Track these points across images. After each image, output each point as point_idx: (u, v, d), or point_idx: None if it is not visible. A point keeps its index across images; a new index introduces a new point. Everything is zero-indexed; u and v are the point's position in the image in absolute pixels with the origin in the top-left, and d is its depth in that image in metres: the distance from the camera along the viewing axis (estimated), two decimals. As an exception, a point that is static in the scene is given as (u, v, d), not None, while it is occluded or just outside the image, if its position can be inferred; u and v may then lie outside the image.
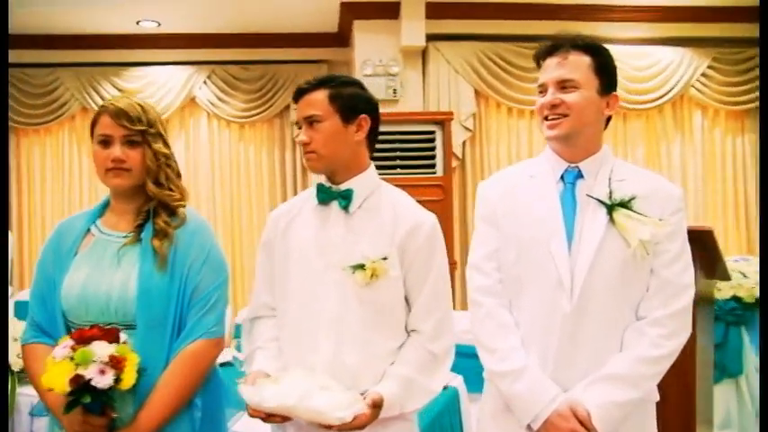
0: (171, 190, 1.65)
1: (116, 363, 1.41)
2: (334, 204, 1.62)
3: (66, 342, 1.45)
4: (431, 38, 4.53)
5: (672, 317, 1.47)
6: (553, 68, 1.53)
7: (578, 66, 1.51)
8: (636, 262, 1.47)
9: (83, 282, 1.60)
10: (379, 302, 1.56)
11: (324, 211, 1.63)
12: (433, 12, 4.38)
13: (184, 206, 1.67)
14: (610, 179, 1.53)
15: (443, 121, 4.23)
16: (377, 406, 1.45)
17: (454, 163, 4.55)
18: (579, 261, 1.48)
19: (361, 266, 1.52)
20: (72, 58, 5.07)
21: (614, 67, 1.59)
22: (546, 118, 1.54)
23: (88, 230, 1.71)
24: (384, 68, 4.46)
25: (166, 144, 1.67)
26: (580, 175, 1.56)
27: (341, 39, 4.95)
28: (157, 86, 5.09)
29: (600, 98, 1.53)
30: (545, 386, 1.46)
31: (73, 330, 1.54)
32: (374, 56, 4.47)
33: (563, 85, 1.51)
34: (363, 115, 1.60)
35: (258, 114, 5.17)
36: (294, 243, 1.65)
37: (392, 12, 4.38)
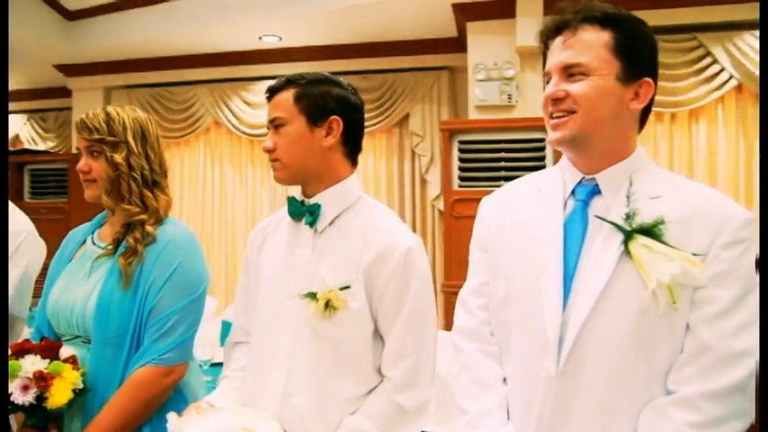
0: (132, 203, 1.57)
1: (42, 381, 1.36)
2: (304, 221, 1.42)
3: (9, 353, 1.43)
4: (550, 36, 4.13)
5: (710, 398, 1.02)
6: (558, 51, 1.16)
7: (590, 45, 1.12)
8: (660, 313, 1.05)
9: (59, 292, 1.59)
10: (336, 339, 1.33)
11: (296, 230, 1.43)
12: (551, 7, 3.97)
13: (150, 221, 1.58)
14: (628, 196, 1.12)
15: None
16: None
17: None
18: (575, 308, 1.10)
19: (314, 296, 1.31)
20: (205, 76, 5.44)
21: (647, 44, 1.16)
22: (551, 116, 1.17)
23: (86, 240, 1.70)
24: (498, 72, 4.13)
25: (138, 153, 1.59)
26: (597, 191, 1.17)
27: (460, 43, 4.71)
28: (280, 99, 5.23)
29: (622, 87, 1.12)
30: None
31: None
32: (488, 59, 4.17)
33: (570, 72, 1.13)
34: (334, 117, 1.38)
35: (377, 124, 5.09)
36: (265, 263, 1.48)
37: (507, 10, 4.05)
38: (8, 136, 1.50)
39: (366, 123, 4.89)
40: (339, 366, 1.33)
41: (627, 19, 1.15)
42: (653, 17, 3.89)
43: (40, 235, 2.01)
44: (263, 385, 1.36)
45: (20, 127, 6.88)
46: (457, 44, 4.79)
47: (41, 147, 6.67)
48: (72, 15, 5.09)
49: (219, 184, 5.47)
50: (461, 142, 3.84)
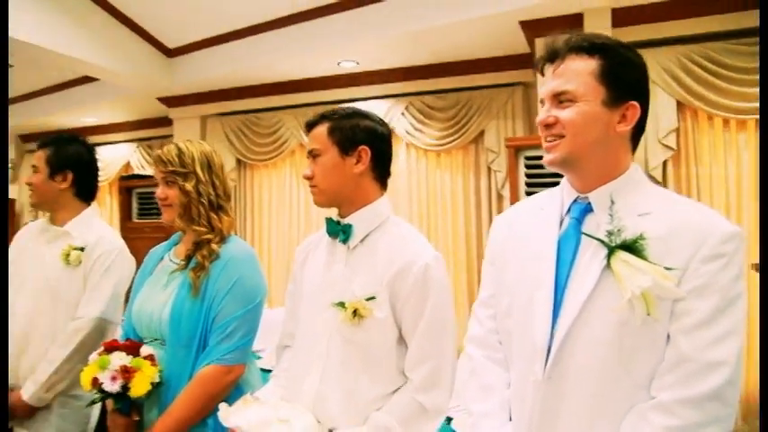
0: (201, 225, 1.79)
1: (126, 373, 1.60)
2: (339, 239, 1.59)
3: (101, 349, 1.69)
4: (622, 48, 4.10)
5: (689, 404, 1.07)
6: (549, 79, 1.26)
7: (577, 73, 1.21)
8: (639, 323, 1.10)
9: (141, 301, 1.84)
10: (365, 344, 1.48)
11: (333, 246, 1.61)
12: (621, 18, 3.95)
13: (214, 240, 1.80)
14: (611, 214, 1.19)
15: None
16: None
17: (652, 187, 4.02)
18: (562, 318, 1.18)
19: (342, 305, 1.47)
20: (289, 102, 5.76)
21: (633, 70, 1.23)
22: (545, 139, 1.27)
23: (164, 257, 1.95)
24: (567, 87, 4.16)
25: (206, 181, 1.82)
26: (590, 209, 1.24)
27: (532, 58, 4.75)
28: (361, 121, 5.46)
29: (608, 111, 1.20)
30: None
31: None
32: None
33: (559, 99, 1.22)
34: (363, 146, 1.56)
35: (453, 141, 5.18)
36: (307, 277, 1.66)
37: (575, 24, 4.05)
38: (8, 136, 1.73)
39: (442, 141, 5.00)
40: (367, 368, 1.48)
41: (612, 47, 1.23)
42: (726, 22, 3.80)
43: (145, 251, 2.30)
44: (301, 384, 1.53)
45: (130, 154, 7.53)
46: (529, 60, 4.83)
47: (148, 171, 7.27)
48: (171, 52, 5.58)
49: (305, 203, 5.76)
50: (527, 158, 3.89)
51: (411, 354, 1.48)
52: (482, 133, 5.13)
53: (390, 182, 5.38)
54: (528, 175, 3.90)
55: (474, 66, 5.03)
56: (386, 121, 5.33)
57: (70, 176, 2.28)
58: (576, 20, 4.03)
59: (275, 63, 5.13)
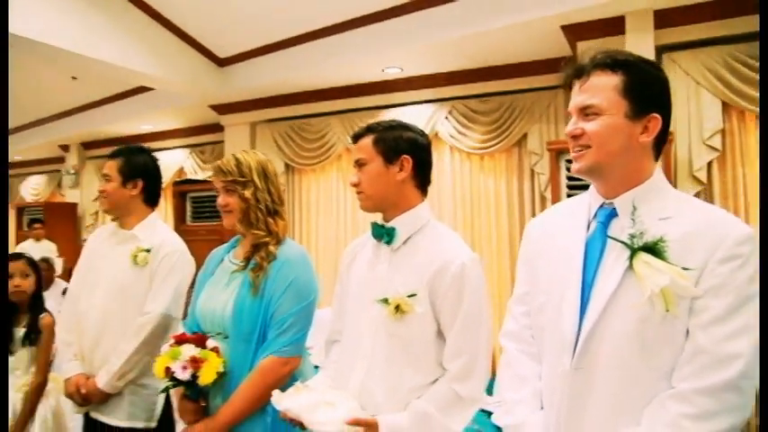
0: (259, 229, 1.94)
1: (195, 363, 1.76)
2: (383, 241, 1.72)
3: (171, 341, 1.85)
4: (664, 49, 4.09)
5: (704, 393, 1.14)
6: (576, 94, 1.35)
7: (601, 88, 1.29)
8: (659, 319, 1.19)
9: (205, 299, 2.00)
10: (407, 337, 1.60)
11: (378, 248, 1.74)
12: (663, 20, 3.95)
13: (272, 242, 1.94)
14: (633, 219, 1.28)
15: None
16: (361, 424, 1.52)
17: (696, 188, 4.00)
18: (588, 314, 1.27)
19: (386, 301, 1.59)
20: (336, 107, 5.94)
21: (655, 84, 1.31)
22: (573, 149, 1.36)
23: (223, 258, 2.11)
24: (609, 90, 4.18)
25: (262, 189, 1.97)
26: (615, 214, 1.33)
27: (575, 62, 4.78)
28: (405, 125, 5.57)
29: (631, 123, 1.27)
30: None
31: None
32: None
33: (585, 112, 1.31)
34: (406, 156, 1.68)
35: (496, 145, 5.25)
36: (353, 276, 1.79)
37: (616, 27, 4.07)
38: (8, 136, 1.86)
39: (486, 144, 5.07)
40: (408, 360, 1.60)
41: (634, 63, 1.31)
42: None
43: (200, 252, 2.48)
44: (348, 374, 1.67)
45: (183, 160, 7.83)
46: (571, 63, 4.86)
47: (201, 176, 7.55)
48: (222, 62, 5.81)
49: (351, 206, 5.93)
50: (569, 161, 3.93)
51: (448, 347, 1.60)
52: (525, 136, 5.19)
53: (435, 185, 5.47)
54: (570, 178, 3.95)
55: (517, 69, 5.08)
56: (430, 125, 5.46)
57: (140, 184, 2.46)
58: (617, 23, 4.05)
59: (322, 70, 5.30)
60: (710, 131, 4.01)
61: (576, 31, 4.27)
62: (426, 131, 5.26)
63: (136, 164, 2.45)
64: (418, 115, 5.55)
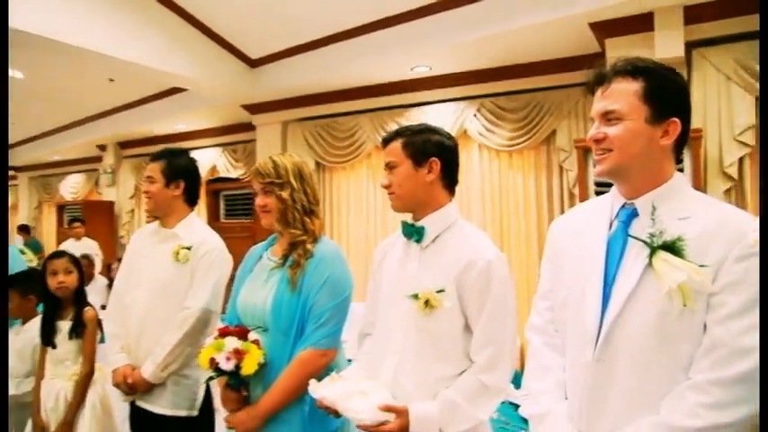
0: (296, 228, 2.04)
1: (238, 354, 1.86)
2: (413, 239, 1.79)
3: (215, 334, 1.96)
4: (694, 45, 4.08)
5: (721, 384, 1.20)
6: (598, 99, 1.41)
7: (622, 94, 1.34)
8: (677, 314, 1.25)
9: (245, 294, 2.10)
10: (436, 331, 1.68)
11: (408, 246, 1.82)
12: (693, 15, 3.93)
13: (308, 241, 2.03)
14: (653, 218, 1.33)
15: (692, 138, 3.69)
16: (393, 411, 1.61)
17: (727, 185, 3.99)
18: (610, 309, 1.34)
19: (416, 296, 1.67)
20: (365, 106, 6.03)
21: (674, 90, 1.36)
22: (596, 153, 1.41)
23: (262, 256, 2.20)
24: (637, 86, 4.18)
25: (298, 189, 2.06)
26: (636, 214, 1.39)
27: (602, 58, 4.77)
28: (434, 123, 5.51)
29: (651, 127, 1.33)
30: None
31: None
32: (628, 74, 4.23)
33: (607, 117, 1.37)
34: (434, 158, 1.75)
35: (525, 142, 5.27)
36: (385, 273, 1.88)
37: (645, 24, 4.07)
38: (8, 136, 1.92)
39: (514, 141, 5.12)
40: (437, 352, 1.68)
41: (654, 70, 1.36)
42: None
43: (233, 249, 2.60)
44: (380, 365, 1.76)
45: (216, 158, 8.00)
46: (600, 59, 4.84)
47: (233, 174, 7.71)
48: (254, 63, 5.95)
49: (381, 203, 6.02)
50: (596, 158, 3.95)
51: (475, 339, 1.67)
52: (553, 133, 5.21)
53: (464, 182, 5.51)
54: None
55: (545, 67, 5.09)
56: (458, 122, 5.51)
57: (182, 185, 2.58)
58: (646, 19, 4.05)
59: (351, 70, 5.39)
60: (742, 127, 3.98)
61: (604, 29, 4.28)
62: (455, 129, 5.42)
63: (178, 166, 2.56)
64: (447, 113, 5.61)
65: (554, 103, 5.14)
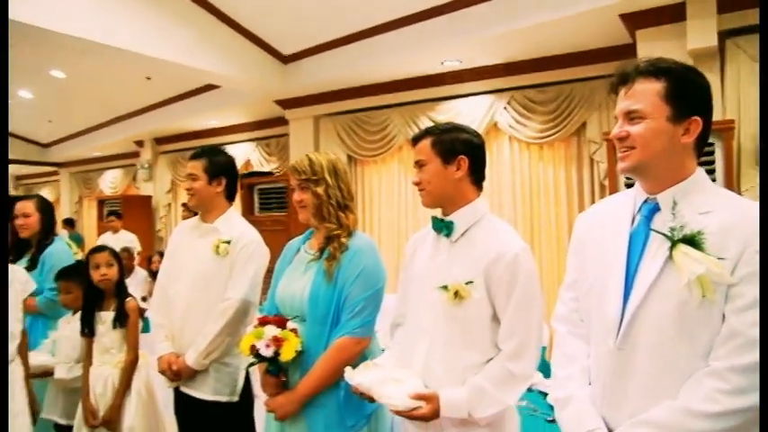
0: (331, 222, 2.13)
1: (277, 341, 1.97)
2: (443, 234, 1.87)
3: (255, 323, 2.06)
4: (728, 34, 4.03)
5: (738, 371, 1.24)
6: (621, 99, 1.45)
7: (645, 94, 1.39)
8: (696, 304, 1.30)
9: (284, 285, 2.20)
10: (464, 321, 1.75)
11: (438, 240, 1.89)
12: (726, 4, 3.88)
13: (343, 235, 2.12)
14: (674, 213, 1.38)
15: (723, 130, 3.67)
16: (424, 399, 1.69)
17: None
18: (630, 299, 1.39)
19: (445, 287, 1.75)
20: (396, 100, 6.11)
21: (696, 89, 1.40)
22: (619, 150, 1.46)
23: (299, 249, 2.30)
24: (668, 77, 4.16)
25: (333, 186, 2.15)
26: (658, 208, 1.43)
27: (633, 50, 4.75)
28: (464, 116, 5.68)
29: (673, 126, 1.37)
30: (585, 418, 1.45)
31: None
32: (659, 66, 4.21)
33: (630, 117, 1.42)
34: (461, 156, 1.82)
35: (555, 134, 5.29)
36: (416, 266, 1.96)
37: (677, 14, 4.03)
38: (7, 135, 1.99)
39: (544, 134, 5.15)
40: (466, 341, 1.76)
41: (676, 70, 1.40)
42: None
43: (267, 242, 2.70)
44: (411, 354, 1.84)
45: (249, 152, 8.17)
46: (631, 50, 4.82)
47: (267, 169, 7.86)
48: (286, 59, 6.06)
49: (413, 196, 6.07)
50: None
51: (503, 329, 1.74)
52: (584, 125, 5.22)
53: (494, 175, 5.57)
54: (627, 167, 3.96)
55: (575, 58, 5.09)
56: (488, 115, 5.55)
57: (224, 181, 2.69)
58: (678, 9, 4.02)
59: (382, 65, 5.47)
60: (783, 119, 3.93)
61: (635, 20, 4.27)
62: (485, 122, 5.46)
63: (219, 163, 2.68)
64: (477, 106, 5.65)
65: (584, 95, 5.15)
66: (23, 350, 2.73)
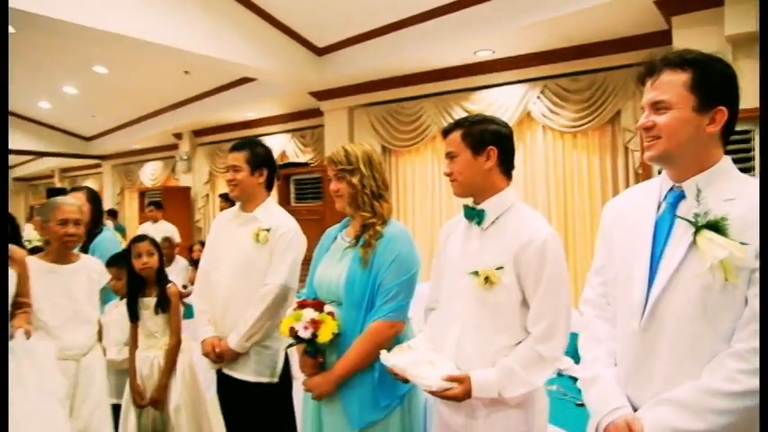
0: (366, 211, 2.21)
1: (314, 324, 2.06)
2: (474, 221, 1.93)
3: (294, 306, 2.16)
4: (768, 19, 3.98)
5: (758, 353, 1.29)
6: (648, 90, 1.50)
7: (671, 85, 1.43)
8: (720, 288, 1.34)
9: (322, 271, 2.30)
10: (495, 305, 1.82)
11: (469, 228, 1.96)
12: (765, -10, 3.84)
13: (378, 223, 2.20)
14: (698, 200, 1.42)
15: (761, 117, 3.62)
16: (456, 380, 1.77)
17: (800, 161, 3.91)
18: (655, 283, 1.44)
19: (476, 273, 1.82)
20: (429, 90, 6.13)
21: (722, 79, 1.43)
22: (645, 140, 1.52)
23: (336, 237, 2.39)
24: (708, 63, 4.10)
25: (368, 176, 2.23)
26: (683, 196, 1.47)
27: (668, 36, 4.70)
28: (497, 105, 5.69)
29: (698, 116, 1.41)
30: (610, 397, 1.50)
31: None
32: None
33: (656, 107, 1.46)
34: (491, 147, 1.89)
35: (589, 123, 5.25)
36: (449, 252, 2.03)
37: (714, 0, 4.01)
38: (7, 135, 2.05)
39: (578, 122, 5.12)
40: (496, 325, 1.83)
41: (702, 61, 1.43)
42: None
43: (303, 231, 2.80)
44: (443, 337, 1.92)
45: (285, 144, 8.30)
46: (666, 36, 4.76)
47: (302, 159, 7.98)
48: (321, 51, 6.14)
49: (446, 185, 6.10)
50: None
51: (531, 312, 1.80)
52: (618, 113, 5.16)
53: (528, 163, 5.58)
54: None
55: (609, 46, 5.04)
56: (522, 104, 5.55)
57: (265, 172, 2.81)
58: (715, -5, 3.96)
59: (415, 56, 5.50)
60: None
61: (670, 6, 4.22)
62: (518, 111, 5.48)
63: (259, 154, 2.78)
64: (510, 96, 5.65)
65: (619, 83, 5.09)
66: (101, 337, 2.88)
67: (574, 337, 1.78)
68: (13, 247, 2.38)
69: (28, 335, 2.23)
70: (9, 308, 2.25)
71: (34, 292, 2.53)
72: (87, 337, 2.69)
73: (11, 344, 2.16)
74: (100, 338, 2.82)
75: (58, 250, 2.67)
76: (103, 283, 2.84)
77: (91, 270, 2.75)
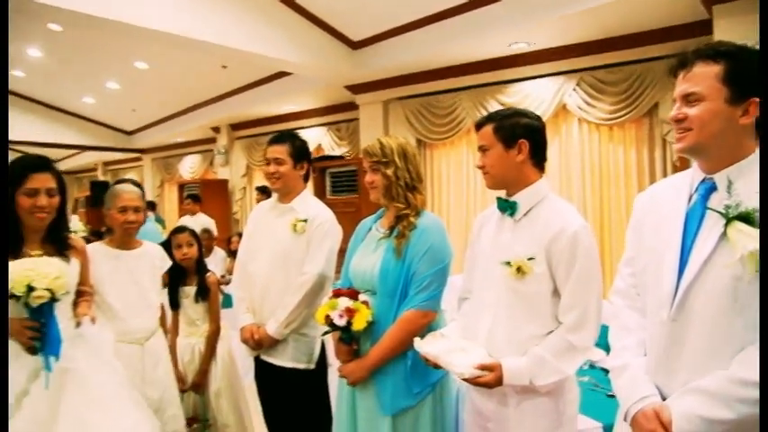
0: (399, 202, 2.25)
1: (349, 312, 2.12)
2: (507, 213, 1.96)
3: (330, 295, 2.23)
4: (814, 6, 3.88)
5: None
6: (680, 82, 1.51)
7: (703, 77, 1.44)
8: (749, 278, 1.34)
9: (357, 261, 2.36)
10: (526, 294, 1.85)
11: (502, 219, 1.99)
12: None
13: (411, 214, 2.25)
14: (729, 192, 1.42)
15: None
16: (488, 368, 1.81)
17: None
18: (685, 273, 1.45)
19: (508, 263, 1.85)
20: (464, 83, 6.14)
21: (755, 71, 1.41)
22: (677, 131, 1.52)
23: (371, 227, 2.45)
24: (750, 53, 4.03)
25: (402, 168, 2.27)
26: (715, 187, 1.47)
27: (709, 26, 4.60)
28: (533, 98, 5.67)
29: (730, 107, 1.41)
30: (639, 385, 1.52)
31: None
32: (736, 41, 4.08)
33: (688, 99, 1.47)
34: (522, 140, 1.91)
35: (626, 115, 5.19)
36: (482, 243, 2.07)
37: (757, -13, 3.92)
38: (8, 134, 2.06)
39: (615, 115, 5.09)
40: (528, 314, 1.86)
41: (735, 53, 1.43)
42: None
43: (339, 223, 2.86)
44: (476, 325, 1.97)
45: (321, 137, 8.39)
46: (707, 26, 4.66)
47: (338, 152, 8.06)
48: (356, 45, 6.20)
49: (481, 178, 6.10)
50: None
51: (563, 302, 1.83)
52: (656, 105, 5.09)
53: (563, 156, 5.55)
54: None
55: (647, 37, 4.96)
56: (557, 97, 5.52)
57: (306, 165, 2.88)
58: (758, -17, 3.88)
59: (450, 49, 5.52)
60: None
61: (712, -7, 4.14)
62: (554, 104, 5.47)
63: (301, 147, 2.85)
64: (545, 88, 5.62)
65: (657, 75, 5.01)
66: (164, 322, 2.99)
67: (605, 329, 1.80)
68: (74, 237, 2.48)
69: (93, 321, 2.33)
70: (73, 296, 2.35)
71: (101, 276, 2.62)
72: (151, 321, 2.76)
73: (79, 330, 2.26)
74: (162, 323, 2.91)
75: (121, 237, 2.76)
76: (165, 268, 2.92)
77: (153, 256, 2.85)
